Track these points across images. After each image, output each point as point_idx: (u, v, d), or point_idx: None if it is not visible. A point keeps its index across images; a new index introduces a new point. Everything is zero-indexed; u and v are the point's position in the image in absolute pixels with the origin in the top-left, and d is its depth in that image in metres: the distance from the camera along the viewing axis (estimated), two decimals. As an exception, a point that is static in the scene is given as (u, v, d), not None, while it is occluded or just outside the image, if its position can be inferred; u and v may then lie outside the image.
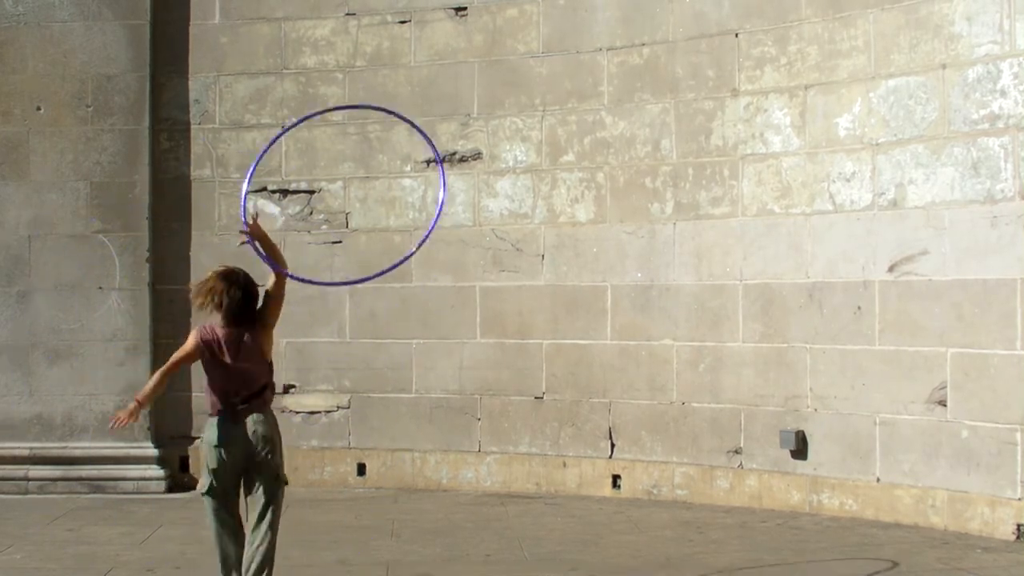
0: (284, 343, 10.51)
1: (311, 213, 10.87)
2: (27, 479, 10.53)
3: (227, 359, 6.12)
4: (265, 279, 6.29)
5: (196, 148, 10.96)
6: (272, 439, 6.18)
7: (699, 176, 9.82)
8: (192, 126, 10.95)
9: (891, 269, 8.85)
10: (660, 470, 9.94)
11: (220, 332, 6.14)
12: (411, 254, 7.89)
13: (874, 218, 8.95)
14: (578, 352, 10.28)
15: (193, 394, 10.42)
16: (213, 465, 6.10)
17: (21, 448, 10.59)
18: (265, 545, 6.10)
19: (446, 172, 10.66)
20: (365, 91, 10.78)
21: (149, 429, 10.62)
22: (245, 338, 6.15)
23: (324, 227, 10.85)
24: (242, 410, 6.12)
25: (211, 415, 6.18)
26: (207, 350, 6.12)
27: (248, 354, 6.15)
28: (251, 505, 6.19)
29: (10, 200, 10.75)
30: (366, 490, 10.60)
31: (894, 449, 8.84)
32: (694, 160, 9.85)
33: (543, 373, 10.40)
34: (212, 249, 10.61)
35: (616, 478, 10.12)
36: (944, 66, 8.58)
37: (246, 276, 6.19)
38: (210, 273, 6.20)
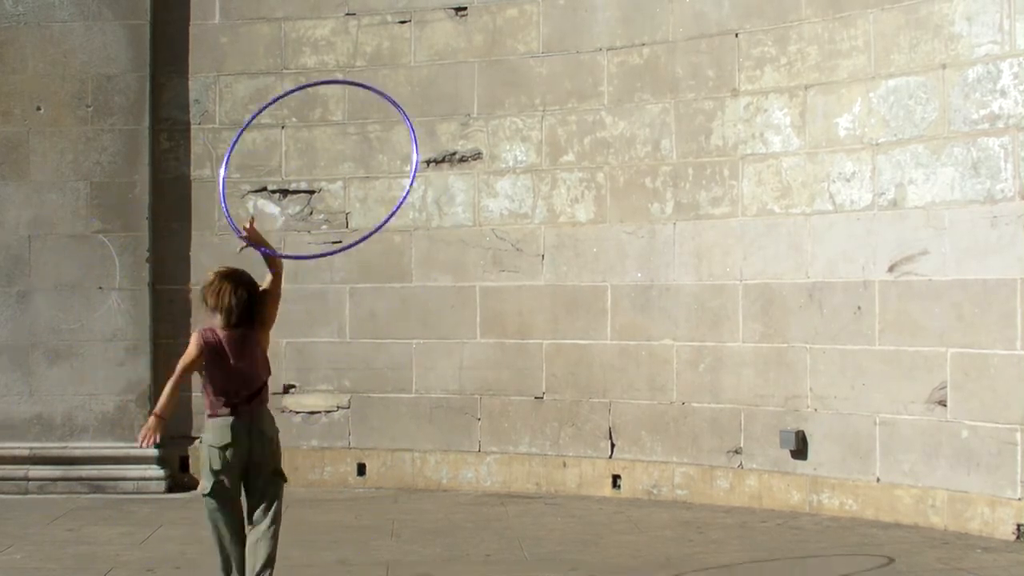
0: (284, 343, 10.51)
1: (311, 213, 10.87)
2: (27, 479, 10.53)
3: (231, 360, 6.12)
4: (262, 279, 6.29)
5: (196, 148, 10.96)
6: (273, 437, 6.22)
7: (699, 176, 9.82)
8: (192, 126, 10.95)
9: (891, 269, 8.85)
10: (660, 470, 9.94)
11: (222, 334, 6.14)
12: (379, 227, 7.69)
13: (874, 218, 8.95)
14: (578, 352, 10.29)
15: (193, 394, 10.34)
16: (217, 466, 6.10)
17: (21, 448, 10.59)
18: (269, 542, 6.11)
19: (446, 172, 10.77)
20: (365, 91, 10.76)
21: (149, 429, 10.61)
22: (247, 338, 6.16)
23: (324, 227, 10.85)
24: (244, 410, 6.13)
25: (211, 416, 6.17)
26: (211, 352, 6.12)
27: (250, 354, 6.16)
28: (252, 503, 6.19)
29: (10, 200, 10.75)
30: (366, 490, 10.60)
31: (894, 449, 8.84)
32: (694, 160, 9.85)
33: (543, 373, 10.40)
34: (212, 249, 10.61)
35: (616, 478, 10.13)
36: (944, 66, 8.58)
37: (249, 277, 6.20)
38: (212, 275, 6.19)
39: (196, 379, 6.34)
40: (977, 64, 8.41)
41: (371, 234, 6.87)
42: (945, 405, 8.55)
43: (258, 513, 6.15)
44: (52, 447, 10.60)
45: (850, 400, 9.06)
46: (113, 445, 10.57)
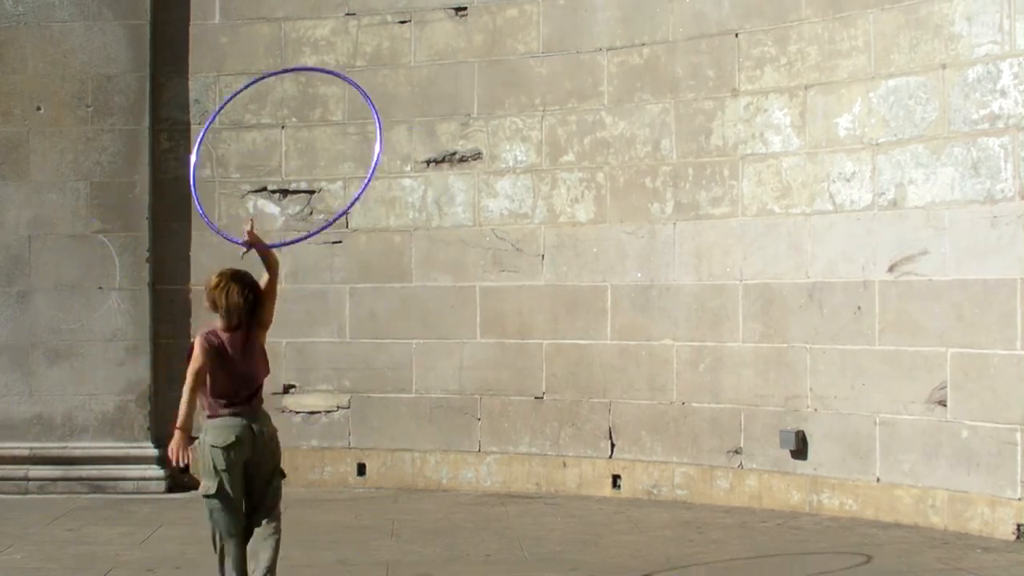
0: (284, 343, 10.51)
1: (311, 213, 10.87)
2: (27, 479, 10.53)
3: (234, 361, 6.12)
4: (259, 279, 6.30)
5: (196, 148, 10.96)
6: (273, 435, 6.25)
7: (699, 176, 9.82)
8: (192, 126, 10.94)
9: (891, 269, 8.85)
10: (660, 470, 9.94)
11: (224, 336, 6.14)
12: (353, 202, 7.73)
13: (874, 218, 8.95)
14: (578, 352, 10.29)
15: (193, 394, 10.41)
16: (222, 466, 6.09)
17: (21, 448, 10.59)
18: (274, 538, 6.13)
19: (446, 172, 10.77)
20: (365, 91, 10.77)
21: (149, 429, 10.62)
22: (249, 339, 6.17)
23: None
24: (245, 410, 6.14)
25: (211, 416, 6.17)
26: (216, 355, 6.11)
27: (252, 355, 6.18)
28: (252, 502, 6.19)
29: (10, 200, 10.75)
30: (366, 490, 10.60)
31: (894, 449, 8.84)
32: (694, 160, 9.85)
33: (543, 373, 10.40)
34: (212, 249, 10.58)
35: (616, 478, 10.12)
36: (944, 66, 8.58)
37: (252, 278, 6.22)
38: (217, 277, 6.18)
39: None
40: (977, 64, 8.41)
41: (335, 219, 7.01)
42: (945, 405, 8.55)
43: (261, 516, 6.16)
44: (52, 447, 10.60)
45: (850, 400, 9.06)
46: (113, 445, 10.58)
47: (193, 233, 10.89)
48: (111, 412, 10.64)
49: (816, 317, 9.24)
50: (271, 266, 6.29)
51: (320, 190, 10.87)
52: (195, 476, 10.22)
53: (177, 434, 5.99)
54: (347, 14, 10.87)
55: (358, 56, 10.84)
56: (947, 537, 8.31)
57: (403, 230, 10.75)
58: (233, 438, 6.08)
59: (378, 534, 8.74)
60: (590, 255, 10.26)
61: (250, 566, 6.13)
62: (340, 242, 10.83)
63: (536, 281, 10.44)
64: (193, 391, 6.08)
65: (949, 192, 8.55)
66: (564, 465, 10.31)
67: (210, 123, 7.75)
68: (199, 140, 7.31)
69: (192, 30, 10.97)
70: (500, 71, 10.58)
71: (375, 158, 7.41)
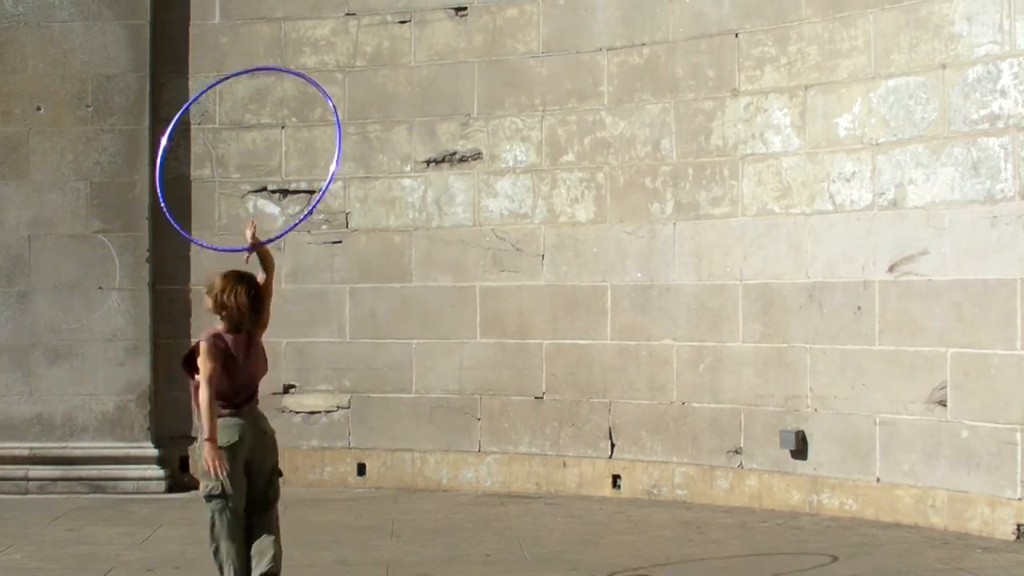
0: (284, 343, 10.51)
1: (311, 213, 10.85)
2: (27, 479, 10.53)
3: (240, 363, 6.13)
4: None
5: (196, 148, 10.96)
6: (272, 434, 6.29)
7: (699, 176, 9.82)
8: (192, 126, 10.95)
9: (891, 269, 8.85)
10: (660, 470, 9.94)
11: (229, 338, 6.13)
12: (317, 200, 7.82)
13: (874, 218, 8.95)
14: (578, 352, 10.28)
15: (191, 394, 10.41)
16: (225, 466, 6.09)
17: (21, 448, 10.59)
18: (277, 535, 6.16)
19: (446, 172, 10.77)
20: (365, 91, 10.79)
21: (149, 429, 10.62)
22: (252, 341, 6.18)
23: (324, 227, 10.85)
24: (245, 410, 6.15)
25: (212, 417, 6.18)
26: (223, 358, 6.11)
27: (254, 355, 6.19)
28: (253, 501, 6.19)
29: (10, 200, 10.75)
30: (366, 490, 10.60)
31: (894, 449, 8.84)
32: (694, 160, 9.85)
33: (543, 373, 10.40)
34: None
35: (616, 478, 10.12)
36: (944, 66, 8.58)
37: (254, 278, 6.23)
38: (222, 279, 6.17)
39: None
40: (977, 64, 8.41)
41: (311, 210, 7.50)
42: (945, 405, 8.55)
43: (266, 506, 6.18)
44: (52, 447, 10.60)
45: (850, 400, 9.06)
46: (113, 445, 10.58)
47: (193, 233, 10.87)
48: (111, 412, 10.64)
49: (816, 317, 9.24)
50: (268, 265, 6.30)
51: (320, 190, 10.86)
52: (195, 476, 10.28)
53: (208, 446, 5.92)
54: (347, 14, 10.87)
55: (358, 56, 10.84)
56: (947, 537, 8.31)
57: (403, 230, 10.75)
58: (236, 438, 6.08)
59: (378, 534, 8.74)
60: (590, 255, 10.26)
61: (271, 558, 6.13)
62: (340, 242, 10.83)
63: (536, 281, 10.44)
64: (212, 399, 5.98)
65: (949, 192, 8.55)
66: (564, 465, 10.31)
67: (174, 124, 7.75)
68: (163, 148, 7.36)
69: (192, 30, 10.97)
70: (500, 71, 10.58)
71: (331, 173, 7.46)
